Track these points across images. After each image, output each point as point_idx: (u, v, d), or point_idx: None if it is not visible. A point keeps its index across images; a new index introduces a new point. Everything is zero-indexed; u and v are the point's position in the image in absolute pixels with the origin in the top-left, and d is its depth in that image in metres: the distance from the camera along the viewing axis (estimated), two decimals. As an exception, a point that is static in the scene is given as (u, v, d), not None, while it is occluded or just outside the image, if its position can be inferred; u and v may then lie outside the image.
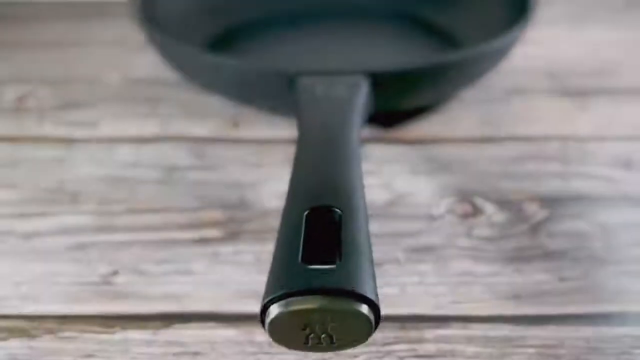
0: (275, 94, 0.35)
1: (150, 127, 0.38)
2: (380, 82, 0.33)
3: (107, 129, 0.38)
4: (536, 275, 0.28)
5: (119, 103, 0.40)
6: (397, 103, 0.36)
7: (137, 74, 0.43)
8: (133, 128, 0.38)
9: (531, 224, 0.31)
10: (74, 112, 0.40)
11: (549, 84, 0.42)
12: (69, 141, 0.37)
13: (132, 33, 0.43)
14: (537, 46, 0.44)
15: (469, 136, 0.37)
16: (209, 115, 0.39)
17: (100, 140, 0.37)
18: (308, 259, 0.19)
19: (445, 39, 0.45)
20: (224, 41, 0.45)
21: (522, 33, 0.37)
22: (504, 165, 0.35)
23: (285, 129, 0.37)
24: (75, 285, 0.28)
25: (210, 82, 0.37)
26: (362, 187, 0.22)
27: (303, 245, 0.19)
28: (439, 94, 0.38)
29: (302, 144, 0.26)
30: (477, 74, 0.37)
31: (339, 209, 0.20)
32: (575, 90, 0.42)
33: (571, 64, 0.45)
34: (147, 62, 0.43)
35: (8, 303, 0.27)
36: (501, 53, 0.37)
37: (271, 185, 0.33)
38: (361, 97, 0.32)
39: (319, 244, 0.20)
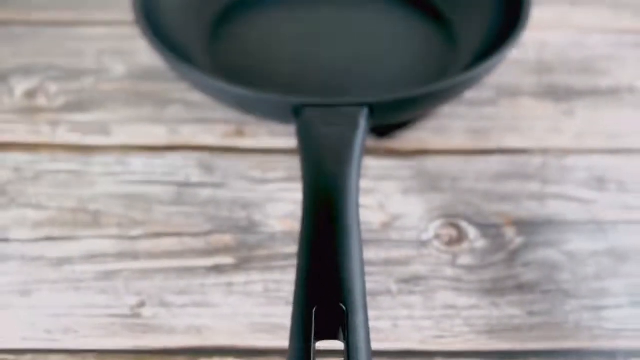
0: (277, 115, 0.38)
1: (159, 135, 0.40)
2: (380, 109, 0.36)
3: (118, 136, 0.40)
4: (509, 309, 0.32)
5: (127, 105, 0.42)
6: (394, 120, 0.39)
7: (141, 64, 0.45)
8: (143, 135, 0.40)
9: (508, 251, 0.35)
10: (85, 114, 0.42)
11: (536, 82, 0.45)
12: (83, 149, 0.40)
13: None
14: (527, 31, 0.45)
15: (458, 147, 0.40)
16: (214, 120, 0.41)
17: (113, 149, 0.40)
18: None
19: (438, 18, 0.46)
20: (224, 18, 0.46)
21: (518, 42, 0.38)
22: (488, 182, 0.38)
23: (288, 137, 0.39)
24: (108, 317, 0.32)
25: (212, 97, 0.39)
26: (363, 275, 0.26)
27: (314, 337, 0.23)
28: (434, 109, 0.40)
29: (307, 214, 0.29)
30: (473, 87, 0.39)
31: (344, 305, 0.24)
32: (561, 89, 0.44)
33: (559, 55, 0.47)
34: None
35: (53, 337, 0.31)
36: (497, 67, 0.39)
37: (275, 205, 0.37)
38: (362, 132, 0.34)
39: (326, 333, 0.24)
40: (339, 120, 0.34)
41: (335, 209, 0.28)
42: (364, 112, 0.35)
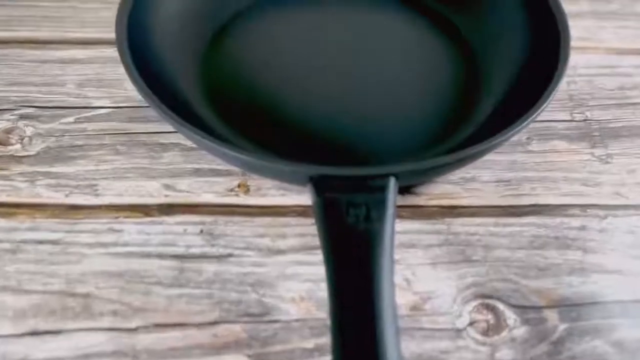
0: (289, 181, 0.33)
1: (153, 192, 0.36)
2: (407, 176, 0.32)
3: (107, 194, 0.36)
4: (556, 419, 0.29)
5: (116, 153, 0.37)
6: (419, 182, 0.35)
7: (129, 97, 0.40)
8: (135, 193, 0.36)
9: (551, 341, 0.31)
10: (67, 165, 0.37)
11: (568, 120, 0.41)
12: (68, 212, 0.35)
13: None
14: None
15: (489, 203, 0.36)
16: (215, 172, 0.37)
17: (101, 211, 0.35)
18: None
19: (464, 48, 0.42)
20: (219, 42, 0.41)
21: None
22: (524, 251, 0.34)
23: (299, 194, 0.35)
24: None
25: (214, 157, 0.35)
26: None
27: None
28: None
29: (336, 301, 0.26)
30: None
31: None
32: (595, 128, 0.40)
33: (590, 83, 0.43)
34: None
35: None
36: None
37: (289, 283, 0.33)
38: (391, 209, 0.30)
39: None
40: (364, 197, 0.30)
41: (368, 310, 0.25)
42: (391, 183, 0.31)
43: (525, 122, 0.33)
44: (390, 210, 0.30)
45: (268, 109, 0.38)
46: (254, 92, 0.39)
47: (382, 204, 0.30)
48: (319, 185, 0.31)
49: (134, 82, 0.33)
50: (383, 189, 0.30)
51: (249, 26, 0.43)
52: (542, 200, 0.36)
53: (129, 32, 0.35)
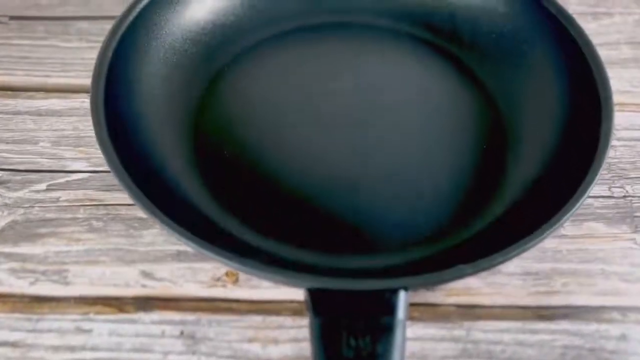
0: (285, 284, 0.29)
1: (130, 280, 0.31)
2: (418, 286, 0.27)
3: (77, 283, 0.31)
4: None
5: (90, 230, 0.33)
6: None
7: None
8: (110, 281, 0.31)
9: None
10: (35, 244, 0.33)
11: (606, 196, 0.35)
12: (32, 305, 0.31)
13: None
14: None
15: (514, 303, 0.31)
16: (200, 258, 0.32)
17: (70, 305, 0.31)
18: None
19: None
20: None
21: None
22: (554, 365, 0.29)
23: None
24: None
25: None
26: None
27: None
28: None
29: None
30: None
31: None
32: (636, 208, 0.35)
33: (629, 151, 0.38)
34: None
35: None
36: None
37: (281, 405, 0.28)
38: (401, 333, 0.25)
39: None
40: (368, 321, 0.26)
41: None
42: (401, 298, 0.26)
43: (563, 219, 0.28)
44: (399, 339, 0.25)
45: (262, 184, 0.33)
46: (245, 163, 0.34)
47: (389, 333, 0.25)
48: (317, 299, 0.26)
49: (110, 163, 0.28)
50: (391, 308, 0.26)
51: (240, 82, 0.38)
52: (575, 300, 0.32)
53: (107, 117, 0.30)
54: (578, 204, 0.29)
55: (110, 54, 0.33)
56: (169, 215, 0.27)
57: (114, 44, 0.33)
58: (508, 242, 0.28)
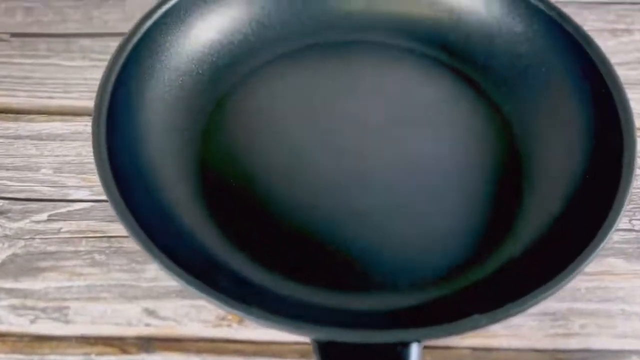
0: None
1: (132, 319, 0.31)
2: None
3: (78, 322, 0.30)
4: None
5: (92, 264, 0.32)
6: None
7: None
8: (112, 319, 0.31)
9: None
10: (36, 279, 0.32)
11: (627, 230, 0.34)
12: (32, 345, 0.30)
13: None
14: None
15: (530, 346, 0.30)
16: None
17: (71, 346, 0.30)
18: None
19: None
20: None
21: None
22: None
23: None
24: None
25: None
26: None
27: None
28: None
29: None
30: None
31: None
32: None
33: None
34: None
35: None
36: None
37: None
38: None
39: None
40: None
41: None
42: (414, 350, 0.25)
43: (584, 263, 0.27)
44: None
45: (268, 217, 0.32)
46: (251, 194, 0.33)
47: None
48: (324, 348, 0.25)
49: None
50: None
51: (247, 105, 0.37)
52: (594, 343, 0.30)
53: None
54: (600, 247, 0.27)
55: (111, 84, 0.31)
56: (167, 253, 0.26)
57: (116, 70, 0.32)
58: (526, 285, 0.27)
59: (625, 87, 0.38)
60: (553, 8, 0.36)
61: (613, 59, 0.39)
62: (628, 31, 0.44)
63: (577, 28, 0.35)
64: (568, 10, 0.42)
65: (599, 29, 0.44)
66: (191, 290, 0.26)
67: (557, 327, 0.31)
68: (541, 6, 0.37)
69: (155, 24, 0.35)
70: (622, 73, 0.39)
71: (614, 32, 0.44)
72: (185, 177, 0.33)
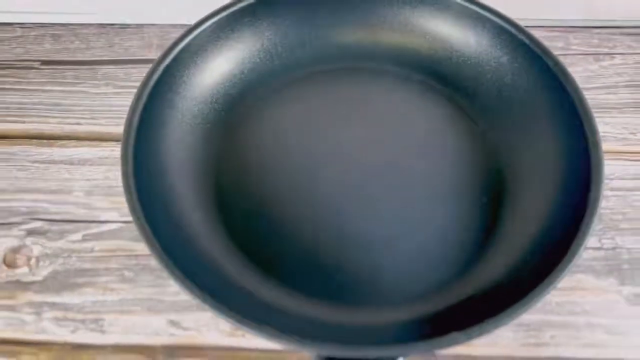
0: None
1: (159, 329, 0.35)
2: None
3: (113, 332, 0.35)
4: None
5: (123, 281, 0.37)
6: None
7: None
8: (141, 330, 0.35)
9: None
10: (73, 294, 0.36)
11: (595, 249, 0.38)
12: (73, 350, 0.34)
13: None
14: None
15: (506, 356, 0.35)
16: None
17: (107, 352, 0.35)
18: None
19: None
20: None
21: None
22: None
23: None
24: None
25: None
26: None
27: None
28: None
29: None
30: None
31: None
32: (624, 261, 0.38)
33: (622, 202, 0.40)
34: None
35: None
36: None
37: None
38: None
39: None
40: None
41: None
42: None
43: (549, 288, 0.31)
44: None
45: (278, 236, 0.37)
46: (259, 216, 0.37)
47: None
48: (322, 360, 0.29)
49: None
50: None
51: (257, 131, 0.41)
52: (563, 352, 0.35)
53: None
54: (570, 266, 0.31)
55: (136, 120, 0.35)
56: (186, 272, 0.31)
57: (140, 108, 0.36)
58: (503, 302, 0.31)
59: (603, 110, 0.41)
60: (536, 43, 0.39)
61: (594, 83, 0.43)
62: (610, 55, 0.47)
63: (557, 62, 0.39)
64: (553, 35, 0.46)
65: (583, 53, 0.47)
66: (206, 308, 0.30)
67: (530, 337, 0.35)
68: (525, 40, 0.40)
69: (175, 59, 0.39)
70: (602, 97, 0.43)
71: (596, 57, 0.47)
72: (203, 202, 0.37)
